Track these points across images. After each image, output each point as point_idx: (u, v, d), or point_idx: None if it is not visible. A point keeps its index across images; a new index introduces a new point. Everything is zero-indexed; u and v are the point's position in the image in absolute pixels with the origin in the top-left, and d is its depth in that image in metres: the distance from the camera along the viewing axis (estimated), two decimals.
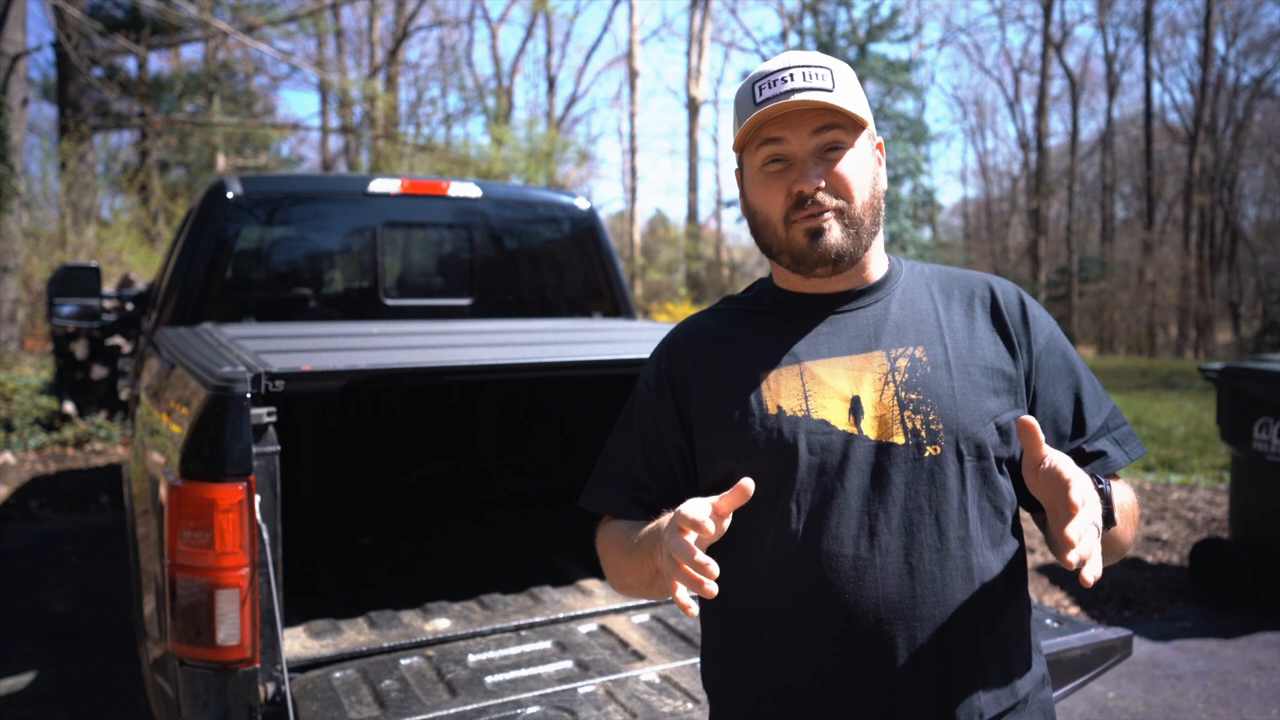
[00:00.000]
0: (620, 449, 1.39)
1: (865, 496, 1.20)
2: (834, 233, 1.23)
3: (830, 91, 1.21)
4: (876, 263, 1.32)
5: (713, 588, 1.00)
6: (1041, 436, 1.08)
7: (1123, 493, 1.25)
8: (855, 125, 1.24)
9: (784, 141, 1.23)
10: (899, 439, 1.20)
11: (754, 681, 1.26)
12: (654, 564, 1.16)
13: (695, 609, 1.02)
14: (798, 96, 1.20)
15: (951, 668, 1.19)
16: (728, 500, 1.06)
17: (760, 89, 1.24)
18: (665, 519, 1.16)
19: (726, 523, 1.07)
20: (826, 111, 1.21)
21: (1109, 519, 1.15)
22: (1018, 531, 1.27)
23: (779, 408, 1.23)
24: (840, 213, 1.23)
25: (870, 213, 1.25)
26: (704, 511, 1.04)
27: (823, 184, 1.22)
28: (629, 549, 1.26)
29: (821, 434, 1.21)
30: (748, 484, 1.05)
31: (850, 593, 1.18)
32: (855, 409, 1.22)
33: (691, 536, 1.03)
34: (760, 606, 1.24)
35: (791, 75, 1.22)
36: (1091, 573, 0.98)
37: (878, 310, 1.29)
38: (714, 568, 1.00)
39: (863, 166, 1.24)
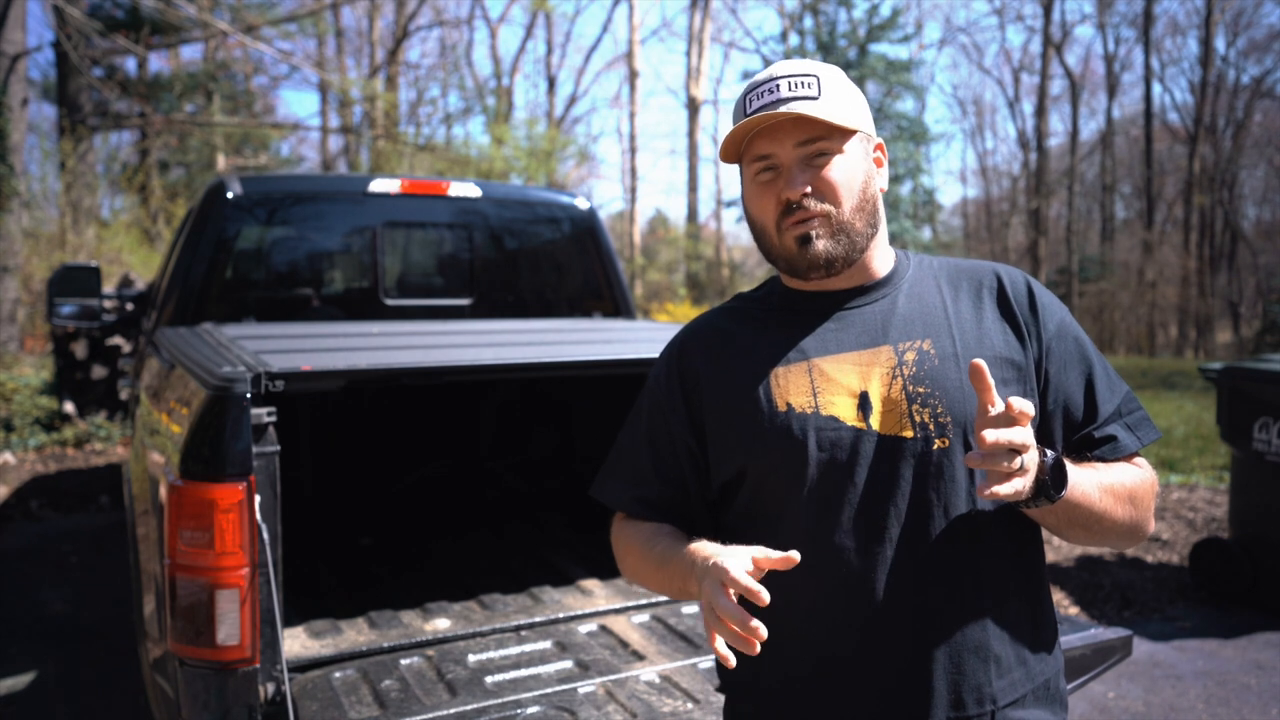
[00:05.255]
0: (629, 445, 1.41)
1: (874, 490, 1.21)
2: (822, 240, 1.24)
3: (815, 100, 1.22)
4: (881, 259, 1.33)
5: (757, 648, 1.02)
6: (990, 381, 1.07)
7: (1121, 473, 1.25)
8: (842, 132, 1.24)
9: (771, 154, 1.24)
10: (907, 433, 1.21)
11: (769, 672, 1.28)
12: (688, 587, 1.19)
13: (733, 660, 1.04)
14: (783, 108, 1.21)
15: (962, 657, 1.20)
16: (769, 562, 1.07)
17: (750, 100, 1.26)
18: (700, 551, 1.17)
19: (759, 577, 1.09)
20: (810, 122, 1.22)
21: (1043, 488, 1.12)
22: (1029, 520, 1.27)
23: (788, 405, 1.25)
24: (827, 218, 1.23)
25: (861, 216, 1.26)
26: (747, 570, 1.06)
27: (809, 190, 1.23)
28: (657, 562, 1.28)
29: (830, 430, 1.23)
30: (794, 555, 1.07)
31: (860, 585, 1.20)
32: (864, 404, 1.23)
33: (735, 594, 1.04)
34: (773, 600, 1.25)
35: (778, 86, 1.24)
36: (991, 488, 1.04)
37: (885, 305, 1.30)
38: (763, 631, 1.02)
39: (851, 171, 1.25)
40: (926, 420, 1.21)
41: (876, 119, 23.06)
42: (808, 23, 26.23)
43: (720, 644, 1.04)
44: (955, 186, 51.13)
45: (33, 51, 11.83)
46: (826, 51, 23.68)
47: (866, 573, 1.20)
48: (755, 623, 1.02)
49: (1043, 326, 1.29)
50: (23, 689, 3.71)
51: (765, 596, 1.03)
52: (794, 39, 26.56)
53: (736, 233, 34.04)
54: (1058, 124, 42.12)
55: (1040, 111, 28.78)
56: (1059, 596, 4.74)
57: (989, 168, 38.16)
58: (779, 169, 1.25)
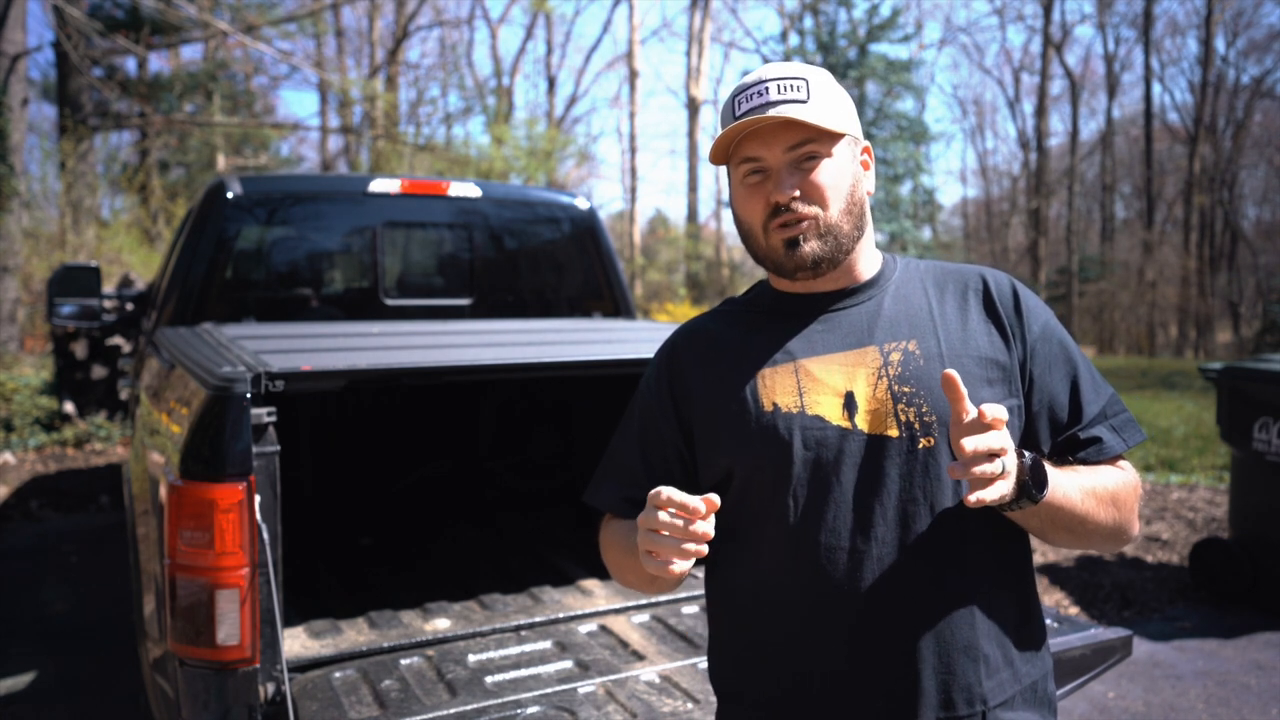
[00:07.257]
0: (621, 448, 1.42)
1: (860, 490, 1.22)
2: (810, 242, 1.25)
3: (804, 103, 1.23)
4: (868, 261, 1.34)
5: (703, 548, 1.09)
6: (963, 391, 1.08)
7: (1103, 476, 1.25)
8: (830, 135, 1.25)
9: (760, 157, 1.25)
10: (893, 432, 1.22)
11: (760, 673, 1.28)
12: None
13: (682, 567, 1.10)
14: (772, 111, 1.22)
15: (951, 656, 1.21)
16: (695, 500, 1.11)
17: (738, 104, 1.26)
18: None
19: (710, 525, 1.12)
20: (799, 126, 1.22)
21: (1025, 489, 1.12)
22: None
23: (774, 405, 1.26)
24: (816, 220, 1.25)
25: (849, 219, 1.27)
26: (688, 496, 1.10)
27: (797, 193, 1.24)
28: (629, 548, 1.29)
29: (816, 429, 1.23)
30: (713, 499, 1.09)
31: (848, 585, 1.21)
32: (849, 404, 1.24)
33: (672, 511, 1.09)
34: (762, 600, 1.27)
35: (766, 89, 1.24)
36: (976, 495, 1.05)
37: (871, 307, 1.31)
38: (706, 525, 1.09)
39: (839, 175, 1.26)
40: (912, 419, 1.22)
41: (876, 119, 23.05)
42: (808, 23, 26.22)
43: (677, 565, 1.09)
44: (955, 186, 51.18)
45: (33, 51, 11.83)
46: (826, 51, 23.67)
47: (853, 571, 1.20)
48: (668, 492, 1.09)
49: (1027, 328, 1.29)
50: (23, 689, 3.71)
51: (694, 503, 1.08)
52: (794, 39, 26.55)
53: (736, 233, 33.98)
54: (1058, 124, 42.22)
55: (1040, 111, 28.79)
56: (1059, 596, 4.74)
57: (989, 168, 38.20)
58: (768, 172, 1.25)
